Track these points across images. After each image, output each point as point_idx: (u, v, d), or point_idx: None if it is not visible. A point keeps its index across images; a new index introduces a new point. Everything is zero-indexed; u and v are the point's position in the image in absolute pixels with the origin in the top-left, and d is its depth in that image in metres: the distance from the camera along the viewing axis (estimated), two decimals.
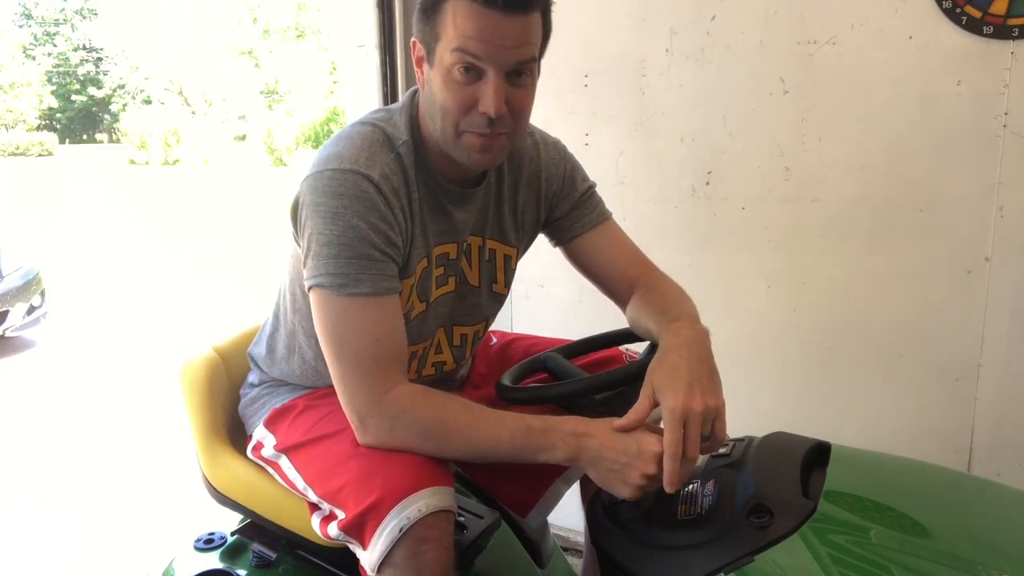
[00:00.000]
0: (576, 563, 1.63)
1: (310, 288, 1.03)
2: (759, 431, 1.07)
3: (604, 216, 1.26)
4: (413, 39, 1.06)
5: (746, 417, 1.81)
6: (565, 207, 1.25)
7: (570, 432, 0.96)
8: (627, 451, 0.93)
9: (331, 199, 1.00)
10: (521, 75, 1.00)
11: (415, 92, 1.13)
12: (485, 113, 0.99)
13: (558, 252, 1.30)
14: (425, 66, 1.04)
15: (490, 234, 1.22)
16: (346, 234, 0.99)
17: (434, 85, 1.02)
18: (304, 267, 1.04)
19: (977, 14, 1.55)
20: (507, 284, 1.27)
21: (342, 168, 1.01)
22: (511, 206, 1.23)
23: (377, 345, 1.01)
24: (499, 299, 1.27)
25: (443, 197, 1.12)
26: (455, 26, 0.96)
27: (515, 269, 1.27)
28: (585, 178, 1.27)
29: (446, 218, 1.14)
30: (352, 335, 1.01)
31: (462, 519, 1.31)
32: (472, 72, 0.98)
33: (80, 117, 36.00)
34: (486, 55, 0.96)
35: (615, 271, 1.23)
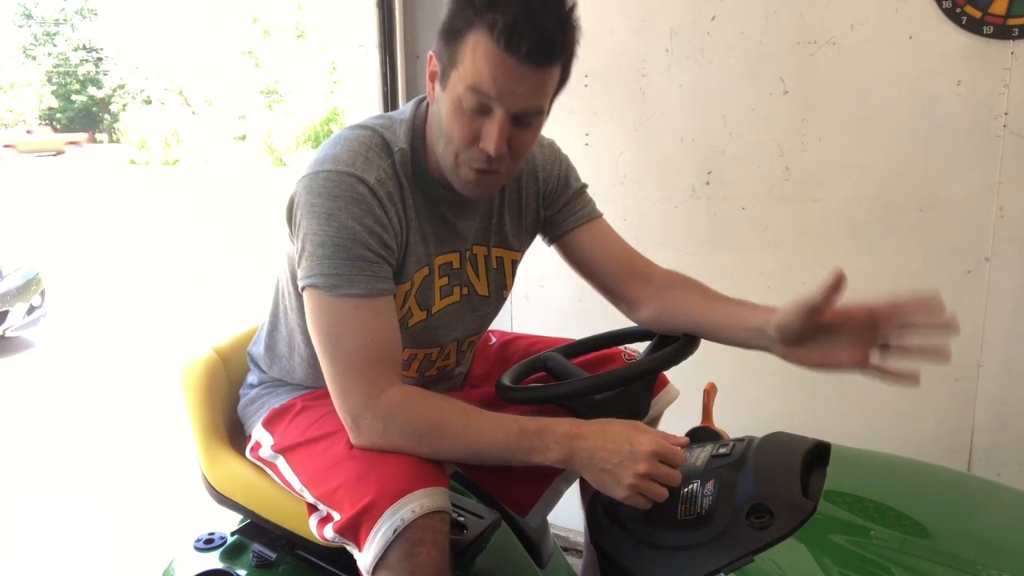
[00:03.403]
0: (576, 563, 1.62)
1: (304, 288, 1.03)
2: (759, 431, 1.07)
3: (596, 214, 1.27)
4: (431, 52, 1.04)
5: (746, 417, 1.81)
6: (559, 204, 1.26)
7: (564, 434, 0.96)
8: (619, 451, 0.93)
9: (326, 200, 1.00)
10: (528, 118, 1.00)
11: (421, 101, 1.13)
12: (485, 150, 0.98)
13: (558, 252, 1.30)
14: (437, 84, 1.03)
15: (495, 242, 1.22)
16: (340, 235, 1.00)
17: (443, 109, 1.01)
18: (298, 267, 1.04)
19: (977, 14, 1.55)
20: (512, 286, 1.28)
21: (337, 170, 1.02)
22: (514, 211, 1.23)
23: (371, 346, 1.01)
24: (504, 301, 1.29)
25: (443, 206, 1.12)
26: (473, 62, 0.95)
27: (517, 270, 1.28)
28: (578, 177, 1.29)
29: (447, 227, 1.14)
30: (346, 336, 1.01)
31: (462, 519, 1.31)
32: (480, 108, 0.98)
33: (80, 117, 35.98)
34: (497, 98, 0.96)
35: (611, 264, 1.24)
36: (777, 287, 1.82)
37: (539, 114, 1.01)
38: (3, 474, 3.18)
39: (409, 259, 1.09)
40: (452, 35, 0.98)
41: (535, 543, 1.43)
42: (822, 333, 0.98)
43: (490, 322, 1.29)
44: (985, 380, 1.69)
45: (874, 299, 0.94)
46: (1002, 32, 1.54)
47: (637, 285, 1.23)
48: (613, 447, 0.93)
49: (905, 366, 0.93)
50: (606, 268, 1.24)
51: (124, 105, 33.89)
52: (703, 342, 1.15)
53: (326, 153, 1.05)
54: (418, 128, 1.11)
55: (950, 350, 0.90)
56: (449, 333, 1.20)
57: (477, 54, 0.94)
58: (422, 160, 1.10)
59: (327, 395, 1.05)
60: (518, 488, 1.31)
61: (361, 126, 1.09)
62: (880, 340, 0.94)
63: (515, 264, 1.26)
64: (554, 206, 1.26)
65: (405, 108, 1.14)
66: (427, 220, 1.11)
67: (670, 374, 1.29)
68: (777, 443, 1.01)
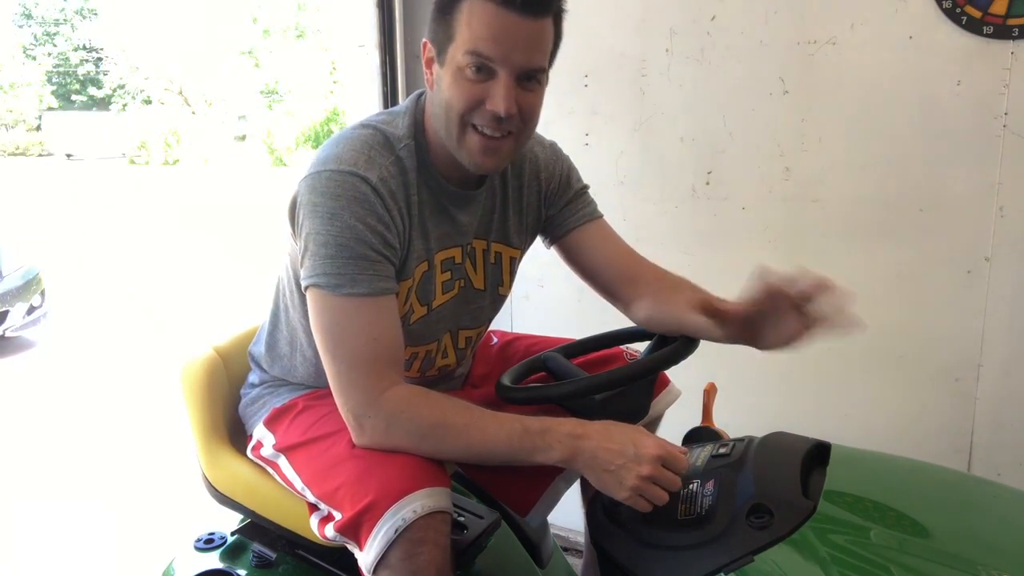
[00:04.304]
0: (576, 563, 1.62)
1: (307, 287, 1.03)
2: (759, 431, 1.07)
3: (596, 214, 1.28)
4: (424, 40, 1.06)
5: (746, 417, 1.81)
6: (560, 204, 1.26)
7: (567, 434, 0.96)
8: (623, 452, 0.93)
9: (328, 200, 1.00)
10: (531, 80, 1.01)
11: (420, 95, 1.13)
12: (494, 111, 0.99)
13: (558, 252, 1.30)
14: (435, 66, 1.05)
15: (495, 237, 1.22)
16: (343, 234, 1.00)
17: (443, 83, 1.02)
18: (301, 267, 1.04)
19: (977, 14, 1.55)
20: (510, 285, 1.28)
21: (340, 169, 1.02)
22: (516, 207, 1.23)
23: (373, 345, 1.01)
24: (502, 300, 1.28)
25: (445, 199, 1.13)
26: (470, 27, 0.97)
27: (517, 270, 1.28)
28: (579, 178, 1.29)
29: (449, 221, 1.14)
30: (348, 335, 1.01)
31: (462, 519, 1.31)
32: (483, 72, 0.99)
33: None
34: (499, 56, 0.97)
35: (610, 266, 1.24)
36: None
37: (541, 73, 1.02)
38: (3, 474, 3.18)
39: (411, 256, 1.09)
40: (445, 10, 1.00)
41: (535, 543, 1.43)
42: (766, 318, 1.01)
43: (487, 319, 1.29)
44: (985, 380, 1.69)
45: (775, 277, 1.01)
46: (1002, 32, 1.54)
47: (636, 286, 1.23)
48: (617, 448, 0.93)
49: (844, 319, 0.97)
50: (606, 269, 1.24)
51: (124, 105, 33.86)
52: (703, 342, 1.16)
53: (328, 152, 1.05)
54: (419, 121, 1.11)
55: (857, 318, 0.95)
56: (444, 326, 1.20)
57: (473, 18, 0.97)
58: (424, 152, 1.10)
59: (329, 395, 1.06)
60: (518, 488, 1.31)
61: (363, 124, 1.10)
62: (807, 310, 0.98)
63: (513, 262, 1.26)
64: (556, 205, 1.26)
65: (404, 103, 1.14)
66: (429, 214, 1.11)
67: (670, 374, 1.29)
68: (777, 443, 1.02)
